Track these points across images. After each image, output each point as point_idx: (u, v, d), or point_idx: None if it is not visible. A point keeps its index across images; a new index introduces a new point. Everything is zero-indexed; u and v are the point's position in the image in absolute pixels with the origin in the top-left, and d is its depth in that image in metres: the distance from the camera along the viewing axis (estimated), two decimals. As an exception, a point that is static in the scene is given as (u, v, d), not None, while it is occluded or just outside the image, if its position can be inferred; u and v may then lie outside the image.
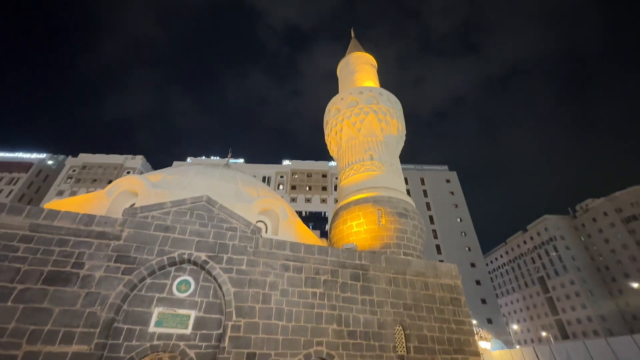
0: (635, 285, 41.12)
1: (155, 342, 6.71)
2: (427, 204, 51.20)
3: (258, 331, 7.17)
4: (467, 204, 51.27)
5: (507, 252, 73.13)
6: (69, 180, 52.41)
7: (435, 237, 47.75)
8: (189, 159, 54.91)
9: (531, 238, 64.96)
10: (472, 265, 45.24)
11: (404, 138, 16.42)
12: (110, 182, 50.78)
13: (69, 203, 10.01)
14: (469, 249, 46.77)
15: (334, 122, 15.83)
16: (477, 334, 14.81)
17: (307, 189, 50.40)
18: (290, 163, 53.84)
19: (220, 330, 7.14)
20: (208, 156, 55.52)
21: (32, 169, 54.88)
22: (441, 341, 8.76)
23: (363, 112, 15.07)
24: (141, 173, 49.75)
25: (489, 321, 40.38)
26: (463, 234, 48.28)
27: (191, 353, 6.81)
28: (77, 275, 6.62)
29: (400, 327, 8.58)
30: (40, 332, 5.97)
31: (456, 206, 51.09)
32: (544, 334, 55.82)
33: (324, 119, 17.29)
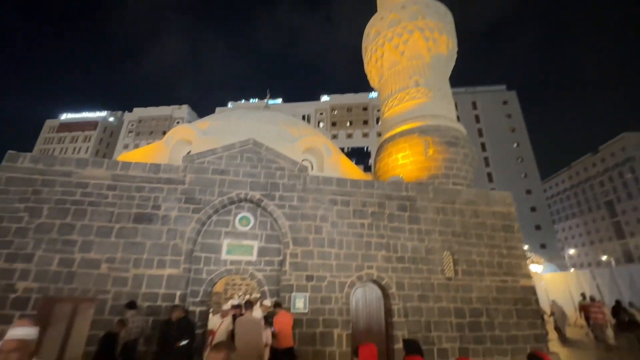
0: None
1: (229, 267, 7.90)
2: (479, 131, 47.36)
3: (313, 257, 7.98)
4: (526, 128, 46.27)
5: (570, 177, 67.13)
6: (130, 134, 57.70)
7: (487, 165, 45.12)
8: (229, 104, 56.01)
9: (602, 160, 58.06)
10: (528, 192, 42.84)
11: (455, 56, 14.51)
12: (164, 132, 54.91)
13: (136, 154, 11.20)
14: (525, 176, 43.79)
15: (374, 47, 14.39)
16: (528, 258, 14.72)
17: (348, 124, 49.28)
18: (328, 99, 52.10)
19: (281, 257, 8.08)
20: (247, 99, 55.94)
21: (99, 126, 61.07)
22: (490, 265, 8.92)
23: (406, 31, 13.34)
24: (188, 122, 52.54)
25: (543, 246, 39.63)
26: (519, 160, 44.79)
27: (259, 275, 7.95)
28: (157, 216, 7.74)
29: (449, 253, 8.85)
30: (140, 260, 7.35)
31: (513, 130, 46.54)
32: (604, 257, 53.58)
33: (363, 45, 15.79)
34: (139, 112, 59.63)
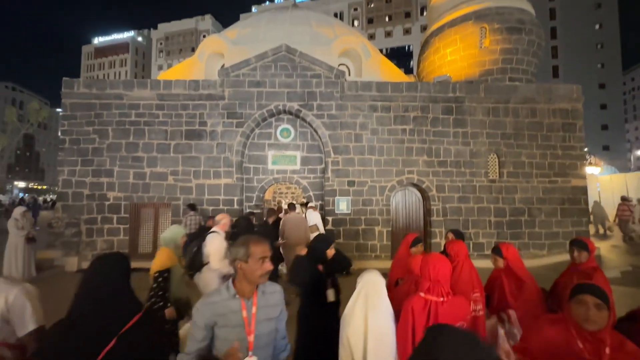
0: None
1: (276, 176, 8.57)
2: (551, 12, 38.66)
3: (354, 164, 8.24)
4: (617, 1, 36.58)
5: (663, 63, 55.11)
6: (161, 54, 57.03)
7: (554, 56, 38.31)
8: (253, 8, 50.95)
9: None
10: (601, 86, 36.81)
11: None
12: (193, 49, 53.28)
13: (173, 73, 11.28)
14: (602, 66, 36.92)
15: None
16: (586, 160, 13.72)
17: (387, 19, 43.03)
18: (363, -12, 44.47)
19: (323, 166, 8.48)
20: (272, 0, 50.04)
21: (130, 48, 60.77)
22: (541, 166, 8.52)
23: None
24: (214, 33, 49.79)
25: (605, 148, 36.06)
26: (598, 46, 37.16)
27: (303, 182, 8.57)
28: (205, 131, 8.23)
29: (495, 155, 8.52)
30: (199, 172, 8.22)
31: (599, 6, 37.27)
32: (680, 157, 47.68)
33: None
34: (163, 27, 57.34)
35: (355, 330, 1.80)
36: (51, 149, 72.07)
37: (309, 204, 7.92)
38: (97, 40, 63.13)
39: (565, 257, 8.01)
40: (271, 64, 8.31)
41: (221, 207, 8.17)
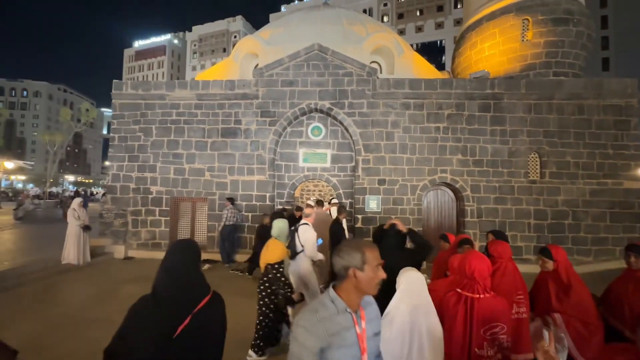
0: None
1: (306, 173, 8.72)
2: (602, -2, 35.47)
3: (385, 163, 8.19)
4: (683, -18, 32.77)
5: None
6: (195, 55, 59.55)
7: (605, 47, 35.19)
8: (282, 8, 51.67)
9: None
10: (660, 79, 33.12)
11: None
12: (224, 50, 55.17)
13: (210, 73, 11.81)
14: (662, 57, 33.22)
15: None
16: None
17: (418, 13, 41.80)
18: (394, -18, 43.52)
19: (353, 164, 8.51)
20: (300, -1, 50.44)
21: (167, 50, 64.03)
22: (588, 167, 7.96)
23: None
24: (245, 34, 51.11)
25: (663, 147, 32.51)
26: (658, 34, 33.48)
27: (334, 180, 8.66)
28: (240, 129, 8.56)
29: (536, 155, 8.07)
30: (233, 168, 8.57)
31: (659, -10, 33.58)
32: None
33: None
34: (197, 30, 59.88)
35: (401, 328, 1.84)
36: (96, 146, 77.95)
37: (333, 201, 8.01)
38: (137, 44, 67.23)
39: (615, 264, 7.51)
40: (303, 63, 8.45)
41: (254, 202, 8.47)
